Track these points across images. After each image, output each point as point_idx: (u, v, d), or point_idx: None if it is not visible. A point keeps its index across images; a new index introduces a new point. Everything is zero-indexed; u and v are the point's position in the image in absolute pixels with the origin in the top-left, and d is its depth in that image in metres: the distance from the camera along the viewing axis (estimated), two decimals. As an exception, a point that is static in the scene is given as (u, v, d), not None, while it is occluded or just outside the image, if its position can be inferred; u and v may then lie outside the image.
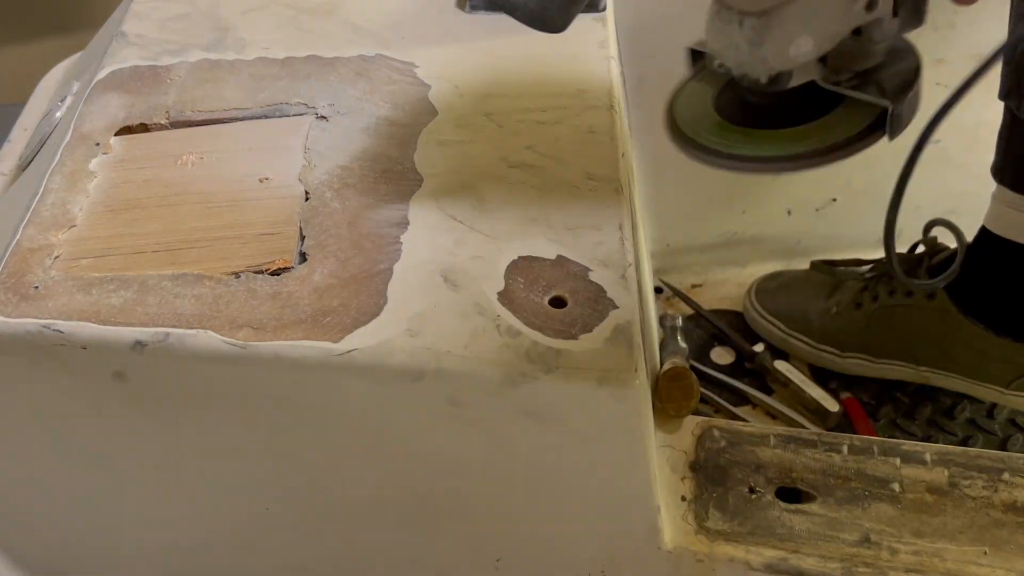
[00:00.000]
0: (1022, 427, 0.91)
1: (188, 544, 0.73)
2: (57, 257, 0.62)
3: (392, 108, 0.73)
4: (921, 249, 0.91)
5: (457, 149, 0.70)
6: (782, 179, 1.05)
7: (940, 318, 0.87)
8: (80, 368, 0.60)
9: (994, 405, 0.92)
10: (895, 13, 0.54)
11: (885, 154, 1.01)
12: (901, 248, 0.96)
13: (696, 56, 0.63)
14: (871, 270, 0.95)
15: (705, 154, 0.61)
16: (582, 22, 0.80)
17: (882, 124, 0.57)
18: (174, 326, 0.58)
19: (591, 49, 0.77)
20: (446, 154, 0.69)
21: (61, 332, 0.58)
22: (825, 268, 0.99)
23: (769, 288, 1.01)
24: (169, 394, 0.61)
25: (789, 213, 1.08)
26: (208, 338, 0.58)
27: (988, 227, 0.84)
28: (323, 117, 0.72)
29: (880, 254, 0.97)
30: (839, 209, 1.07)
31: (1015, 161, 0.80)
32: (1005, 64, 0.78)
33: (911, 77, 0.57)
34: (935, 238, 0.91)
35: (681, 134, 0.62)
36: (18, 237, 0.64)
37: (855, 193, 1.05)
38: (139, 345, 0.58)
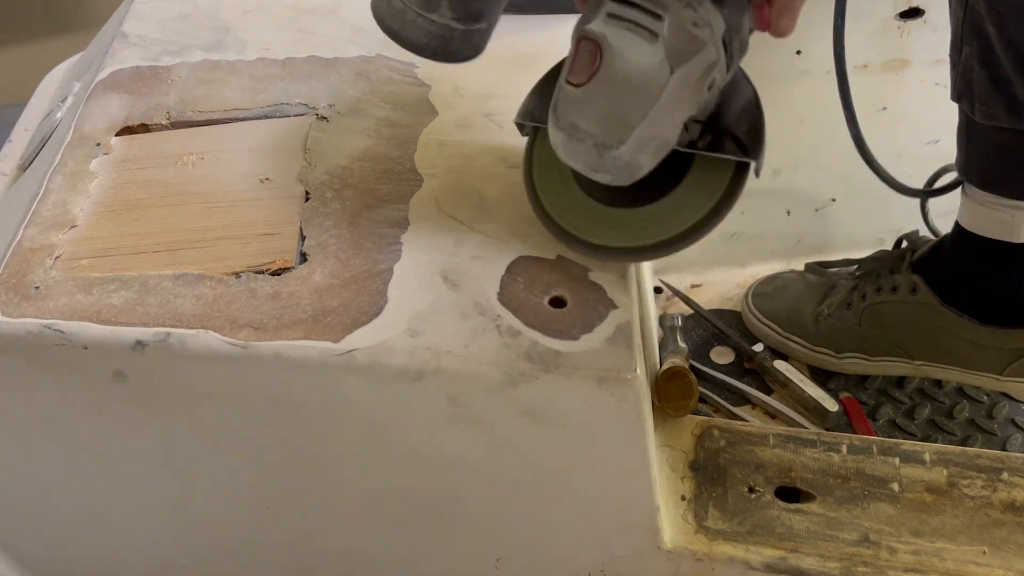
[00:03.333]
0: (1021, 427, 0.91)
1: (188, 543, 0.73)
2: (58, 257, 0.62)
3: (392, 108, 0.74)
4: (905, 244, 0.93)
5: (457, 149, 0.70)
6: (782, 179, 1.05)
7: (925, 311, 0.87)
8: (81, 368, 0.60)
9: (993, 405, 0.92)
10: (727, 68, 0.53)
11: (882, 155, 1.01)
12: (887, 245, 0.97)
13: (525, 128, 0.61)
14: (858, 269, 0.96)
15: (585, 249, 0.60)
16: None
17: (745, 166, 0.56)
18: (175, 326, 0.58)
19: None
20: (446, 154, 0.69)
21: (62, 332, 0.58)
22: (819, 270, 1.00)
23: (765, 291, 1.01)
24: (170, 394, 0.61)
25: (789, 213, 1.08)
26: (209, 338, 0.58)
27: (960, 223, 0.85)
28: (323, 117, 0.73)
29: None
30: (839, 209, 1.07)
31: (977, 159, 0.81)
32: (953, 67, 0.79)
33: (755, 114, 0.56)
34: (917, 231, 0.94)
35: (555, 224, 0.61)
36: (19, 237, 0.64)
37: (854, 193, 1.05)
38: (140, 345, 0.58)
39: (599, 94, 0.51)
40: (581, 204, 0.60)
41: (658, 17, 0.50)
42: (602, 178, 0.53)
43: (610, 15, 0.51)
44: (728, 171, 0.56)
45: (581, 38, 0.52)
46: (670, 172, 0.56)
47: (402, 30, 0.58)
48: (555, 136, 0.53)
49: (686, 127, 0.54)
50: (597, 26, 0.51)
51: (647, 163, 0.52)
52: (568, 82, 0.52)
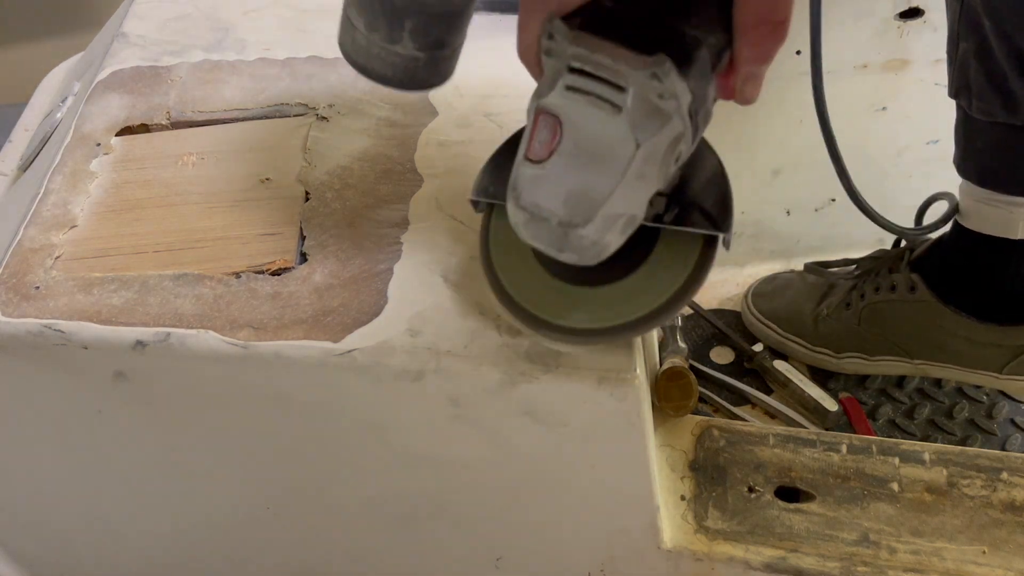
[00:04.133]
0: (1021, 427, 0.91)
1: (188, 543, 0.74)
2: (58, 257, 0.63)
3: (392, 108, 0.74)
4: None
5: (457, 149, 0.70)
6: (782, 179, 1.05)
7: (924, 310, 0.88)
8: (81, 368, 0.60)
9: (993, 405, 0.92)
10: (692, 139, 0.50)
11: (882, 155, 1.01)
12: (886, 245, 0.97)
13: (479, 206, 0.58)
14: (857, 268, 0.96)
15: (553, 333, 0.56)
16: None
17: (713, 239, 0.53)
18: (175, 326, 0.58)
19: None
20: (446, 154, 0.69)
21: (62, 332, 0.58)
22: (818, 270, 1.00)
23: (765, 291, 1.01)
24: (170, 394, 0.62)
25: (788, 213, 1.08)
26: (209, 338, 0.58)
27: (958, 220, 0.85)
28: (324, 118, 0.73)
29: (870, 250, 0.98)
30: (838, 209, 1.07)
31: (974, 156, 0.81)
32: (950, 64, 0.79)
33: (722, 185, 0.53)
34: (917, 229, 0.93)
35: (514, 303, 0.57)
36: (19, 237, 0.64)
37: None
38: (140, 345, 0.58)
39: (561, 171, 0.48)
40: (544, 284, 0.57)
41: (621, 89, 0.47)
42: (568, 258, 0.50)
43: (569, 87, 0.48)
44: (697, 244, 0.54)
45: (539, 112, 0.49)
46: (636, 247, 0.54)
47: (368, 64, 0.58)
48: (516, 216, 0.50)
49: (651, 201, 0.51)
50: (555, 99, 0.48)
51: (615, 241, 0.49)
52: (527, 159, 0.49)
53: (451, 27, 0.56)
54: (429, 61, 0.57)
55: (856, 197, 0.90)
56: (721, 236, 0.53)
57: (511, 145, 0.57)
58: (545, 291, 0.57)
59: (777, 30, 0.48)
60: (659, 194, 0.52)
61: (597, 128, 0.47)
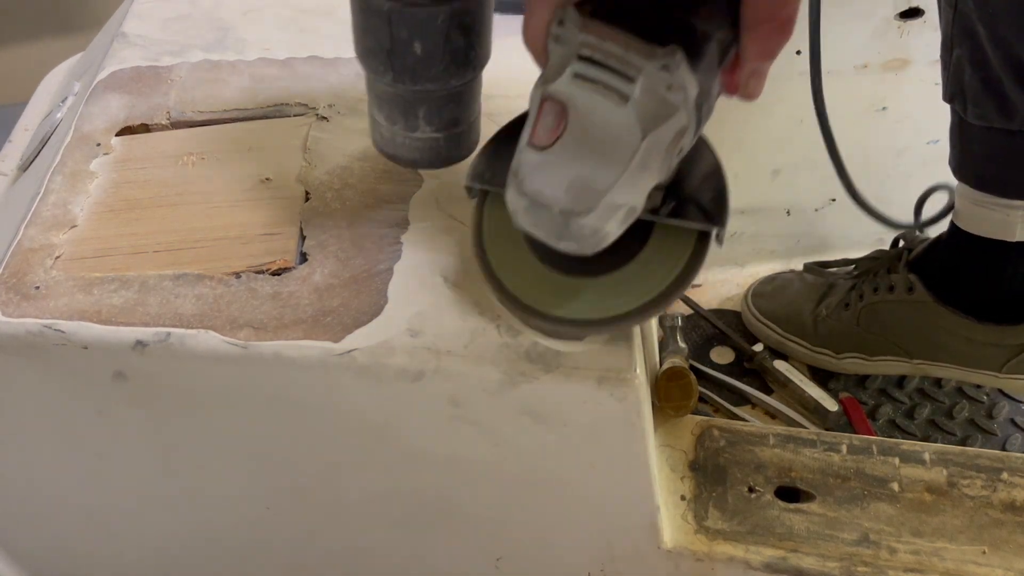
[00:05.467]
0: (1021, 427, 0.91)
1: (188, 543, 0.74)
2: (58, 257, 0.63)
3: (392, 108, 0.74)
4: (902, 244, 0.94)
5: (457, 149, 0.70)
6: (782, 179, 1.05)
7: (922, 310, 0.88)
8: (81, 368, 0.60)
9: (993, 405, 0.92)
10: (695, 133, 0.50)
11: (882, 155, 1.01)
12: (886, 245, 0.97)
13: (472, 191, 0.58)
14: (855, 269, 0.96)
15: (547, 324, 0.56)
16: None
17: (708, 234, 0.54)
18: (175, 326, 0.58)
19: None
20: (446, 154, 0.69)
21: (62, 332, 0.58)
22: (817, 270, 1.00)
23: (765, 291, 1.02)
24: (170, 394, 0.62)
25: (788, 213, 1.08)
26: (209, 338, 0.58)
27: (955, 222, 0.85)
28: (324, 118, 0.73)
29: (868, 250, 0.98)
30: (838, 209, 1.07)
31: (970, 159, 0.82)
32: (944, 69, 0.79)
33: (719, 181, 0.53)
34: (913, 230, 0.95)
35: (506, 291, 0.57)
36: (19, 237, 0.64)
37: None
38: (140, 345, 0.58)
39: (565, 158, 0.48)
40: (537, 273, 0.57)
41: (630, 79, 0.47)
42: (566, 247, 0.49)
43: (577, 75, 0.48)
44: (691, 239, 0.54)
45: (545, 99, 0.49)
46: (631, 240, 0.53)
47: (396, 152, 0.61)
48: (515, 203, 0.49)
49: (648, 194, 0.51)
50: (563, 86, 0.48)
51: (614, 231, 0.49)
52: (531, 145, 0.49)
53: (460, 106, 0.60)
54: (448, 139, 0.61)
55: (853, 192, 0.90)
56: (715, 231, 0.53)
57: (507, 132, 0.57)
58: (538, 281, 0.56)
59: (784, 27, 0.48)
60: (657, 187, 0.52)
61: (604, 117, 0.47)
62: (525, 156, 0.49)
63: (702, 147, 0.55)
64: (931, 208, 0.99)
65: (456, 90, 0.58)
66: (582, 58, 0.48)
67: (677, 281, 0.54)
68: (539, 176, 0.48)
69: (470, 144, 0.63)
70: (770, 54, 0.49)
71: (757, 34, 0.48)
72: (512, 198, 0.49)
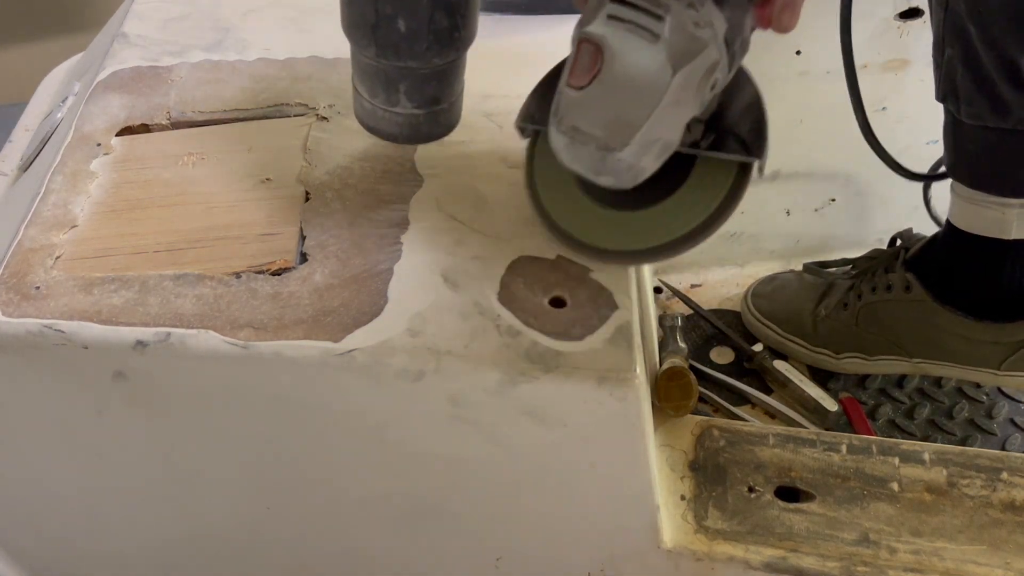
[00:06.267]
0: (1021, 426, 0.91)
1: (188, 543, 0.74)
2: (58, 257, 0.63)
3: (392, 108, 0.74)
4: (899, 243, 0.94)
5: (457, 149, 0.70)
6: (781, 179, 1.05)
7: (920, 309, 0.88)
8: (81, 368, 0.60)
9: (993, 405, 0.92)
10: (730, 69, 0.53)
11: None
12: (885, 245, 0.97)
13: (534, 132, 0.61)
14: (853, 268, 0.96)
15: (589, 253, 0.59)
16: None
17: (748, 168, 0.55)
18: (175, 326, 0.58)
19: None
20: (446, 154, 0.69)
21: (62, 332, 0.58)
22: (817, 270, 1.00)
23: (764, 292, 1.02)
24: (170, 394, 0.62)
25: (788, 213, 1.08)
26: (209, 338, 0.58)
27: (951, 221, 0.85)
28: (324, 118, 0.73)
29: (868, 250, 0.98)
30: (838, 209, 1.07)
31: (964, 158, 0.82)
32: (936, 69, 0.79)
33: (758, 113, 0.55)
34: (911, 229, 0.94)
35: (558, 228, 0.60)
36: (19, 237, 0.64)
37: (854, 193, 1.06)
38: (140, 345, 0.58)
39: (601, 97, 0.50)
40: (584, 207, 0.60)
41: (659, 18, 0.49)
42: (605, 181, 0.52)
43: (610, 16, 0.50)
44: (732, 171, 0.56)
45: (582, 40, 0.51)
46: (673, 173, 0.56)
47: (377, 125, 0.63)
48: (556, 140, 0.52)
49: (688, 127, 0.53)
50: (597, 28, 0.50)
51: (650, 166, 0.52)
52: (569, 85, 0.51)
53: (442, 84, 0.61)
54: (428, 117, 0.62)
55: (879, 148, 0.90)
56: (756, 162, 0.54)
57: (555, 74, 0.59)
58: (585, 215, 0.59)
59: None
60: (697, 121, 0.54)
61: (636, 56, 0.49)
62: (564, 95, 0.51)
63: (741, 80, 0.56)
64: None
65: (439, 68, 0.59)
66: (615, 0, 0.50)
67: (718, 211, 0.56)
68: (577, 113, 0.51)
69: (450, 122, 0.64)
70: None
71: None
72: (554, 135, 0.52)
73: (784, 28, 0.53)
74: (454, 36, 0.58)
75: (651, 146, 0.51)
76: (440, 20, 0.56)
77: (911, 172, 0.93)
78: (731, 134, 0.55)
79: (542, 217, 0.61)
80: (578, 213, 0.60)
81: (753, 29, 0.53)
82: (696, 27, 0.49)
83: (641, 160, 0.51)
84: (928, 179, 0.95)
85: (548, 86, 0.59)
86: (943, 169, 0.94)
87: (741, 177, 0.56)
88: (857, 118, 0.88)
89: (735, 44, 0.52)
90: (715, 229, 0.56)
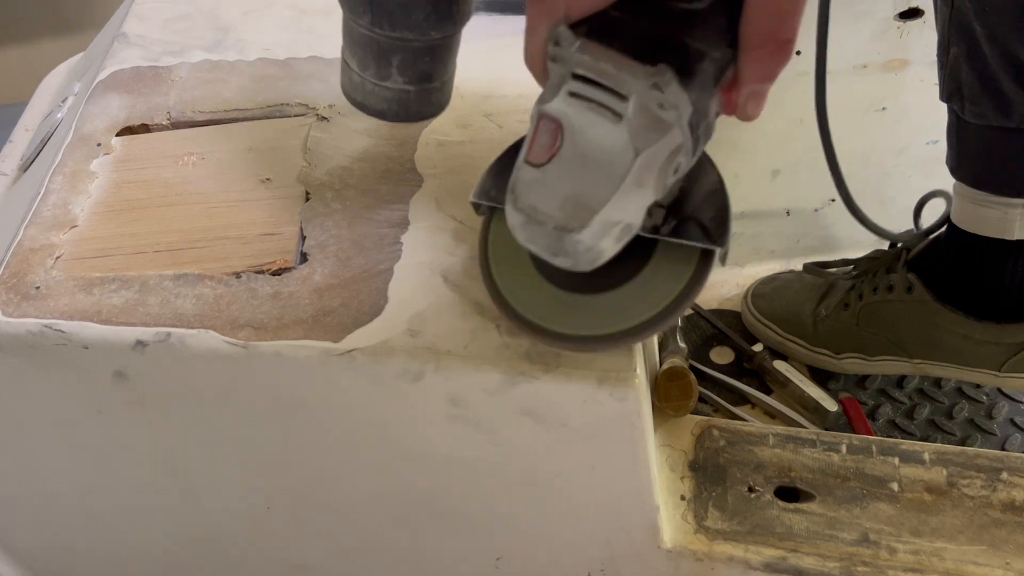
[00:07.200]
0: (1021, 427, 0.91)
1: (188, 543, 0.74)
2: (58, 257, 0.63)
3: (392, 108, 0.74)
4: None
5: (457, 149, 0.70)
6: (782, 179, 1.05)
7: (922, 309, 0.88)
8: (81, 368, 0.60)
9: (993, 405, 0.92)
10: (693, 152, 0.51)
11: (882, 155, 1.01)
12: (881, 245, 0.97)
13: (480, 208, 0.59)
14: (854, 269, 0.96)
15: (545, 337, 0.56)
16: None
17: (710, 253, 0.54)
18: (175, 326, 0.58)
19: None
20: (446, 154, 0.69)
21: (62, 332, 0.58)
22: (817, 270, 1.00)
23: (764, 292, 1.02)
24: (170, 394, 0.62)
25: (788, 213, 1.08)
26: (209, 338, 0.58)
27: (954, 221, 0.85)
28: (323, 117, 0.73)
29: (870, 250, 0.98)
30: (838, 209, 1.07)
31: (968, 158, 0.82)
32: (941, 68, 0.79)
33: (721, 200, 0.54)
34: (912, 230, 0.94)
35: (510, 309, 0.58)
36: (19, 237, 0.64)
37: (853, 194, 1.06)
38: (140, 345, 0.58)
39: (560, 175, 0.48)
40: (541, 289, 0.57)
41: (623, 98, 0.48)
42: (562, 263, 0.50)
43: (572, 94, 0.48)
44: (693, 257, 0.54)
45: (541, 117, 0.49)
46: (632, 258, 0.54)
47: (364, 100, 0.62)
48: (513, 218, 0.50)
49: (650, 211, 0.52)
50: (558, 105, 0.49)
51: (609, 248, 0.50)
52: (527, 162, 0.49)
53: (436, 61, 0.59)
54: (419, 94, 0.60)
55: (849, 201, 0.90)
56: (717, 251, 0.53)
57: (514, 151, 0.57)
58: (542, 297, 0.57)
59: (782, 49, 0.48)
60: (658, 206, 0.52)
61: (597, 135, 0.48)
62: (522, 173, 0.49)
63: (705, 165, 0.55)
64: (929, 215, 0.99)
65: (434, 43, 0.58)
66: (576, 77, 0.48)
67: (678, 299, 0.54)
68: (534, 192, 0.49)
69: (440, 102, 0.63)
70: (768, 76, 0.49)
71: (755, 55, 0.48)
72: (510, 213, 0.50)
73: (749, 117, 0.51)
74: (452, 10, 0.57)
75: (610, 229, 0.49)
76: None
77: (886, 232, 0.93)
78: (693, 220, 0.53)
79: (495, 298, 0.58)
80: (534, 295, 0.57)
81: (718, 114, 0.52)
82: (661, 108, 0.47)
83: (600, 242, 0.49)
84: (896, 242, 0.95)
85: (506, 163, 0.57)
86: (926, 213, 0.94)
87: (703, 264, 0.54)
88: (831, 170, 0.88)
89: (699, 128, 0.50)
90: (675, 316, 0.54)
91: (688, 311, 1.03)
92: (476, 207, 0.58)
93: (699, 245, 0.53)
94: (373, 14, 0.56)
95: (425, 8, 0.56)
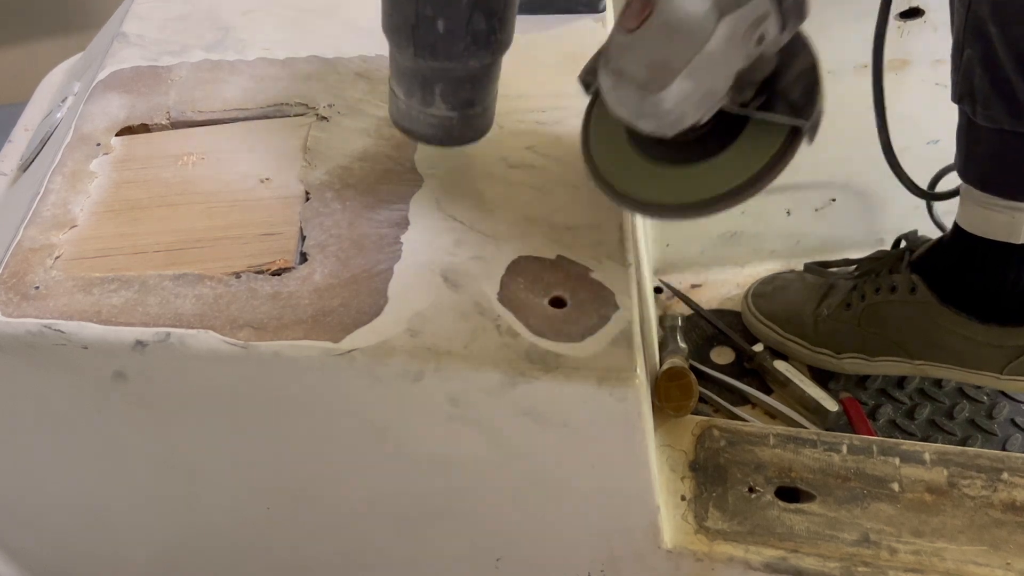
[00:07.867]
0: (1022, 427, 0.91)
1: (188, 543, 0.74)
2: (58, 257, 0.63)
3: (392, 108, 0.73)
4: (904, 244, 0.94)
5: (457, 149, 0.70)
6: (782, 179, 1.05)
7: (924, 310, 0.88)
8: (81, 368, 0.60)
9: (993, 405, 0.92)
10: (782, 27, 0.53)
11: (883, 155, 1.01)
12: (886, 245, 0.98)
13: (590, 85, 0.62)
14: (857, 269, 0.96)
15: (631, 204, 0.60)
16: (582, 23, 0.80)
17: (798, 132, 0.55)
18: (175, 326, 0.58)
19: (591, 50, 0.77)
20: (446, 154, 0.69)
21: (62, 332, 0.58)
22: (818, 270, 1.00)
23: (765, 292, 1.02)
24: (170, 394, 0.61)
25: (788, 213, 1.08)
26: (209, 338, 0.58)
27: (960, 224, 0.85)
28: (323, 118, 0.73)
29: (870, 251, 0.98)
30: (838, 209, 1.07)
31: (977, 161, 0.82)
32: (954, 70, 0.79)
33: (812, 78, 0.55)
34: (916, 231, 0.94)
35: (603, 180, 0.61)
36: (19, 237, 0.64)
37: (854, 193, 1.06)
38: (140, 345, 0.58)
39: (647, 40, 0.51)
40: (633, 162, 0.60)
41: None
42: (645, 125, 0.53)
43: None
44: (781, 134, 0.56)
45: None
46: (723, 134, 0.57)
47: (412, 127, 0.64)
48: (603, 81, 0.53)
49: (741, 87, 0.54)
50: None
51: (690, 113, 0.52)
52: (620, 27, 0.52)
53: (477, 88, 0.62)
54: (462, 119, 0.63)
55: (891, 156, 0.90)
56: (804, 125, 0.54)
57: None
58: (633, 169, 0.60)
59: None
60: (750, 82, 0.54)
61: (684, 1, 0.50)
62: (615, 38, 0.53)
63: (801, 46, 0.56)
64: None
65: (474, 71, 0.61)
66: None
67: (761, 171, 0.56)
68: (623, 55, 0.52)
69: (483, 127, 0.65)
70: None
71: None
72: (602, 76, 0.53)
73: None
74: (491, 39, 0.59)
75: (691, 93, 0.51)
76: (478, 22, 0.57)
77: (916, 187, 0.93)
78: (783, 97, 0.55)
79: (592, 169, 0.62)
80: (627, 167, 0.60)
81: None
82: None
83: (680, 106, 0.52)
84: (933, 198, 0.95)
85: None
86: (942, 185, 0.94)
87: (790, 141, 0.56)
88: (878, 120, 0.88)
89: (786, 1, 0.52)
90: (758, 189, 0.56)
91: (688, 311, 1.03)
92: (586, 85, 0.61)
93: (782, 119, 0.55)
94: (416, 46, 0.58)
95: (464, 39, 0.58)
